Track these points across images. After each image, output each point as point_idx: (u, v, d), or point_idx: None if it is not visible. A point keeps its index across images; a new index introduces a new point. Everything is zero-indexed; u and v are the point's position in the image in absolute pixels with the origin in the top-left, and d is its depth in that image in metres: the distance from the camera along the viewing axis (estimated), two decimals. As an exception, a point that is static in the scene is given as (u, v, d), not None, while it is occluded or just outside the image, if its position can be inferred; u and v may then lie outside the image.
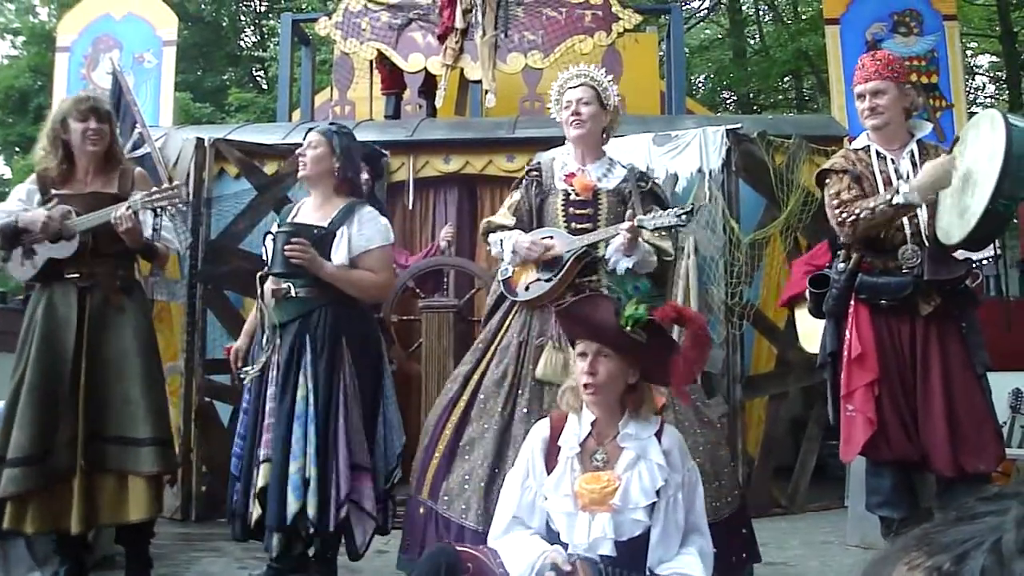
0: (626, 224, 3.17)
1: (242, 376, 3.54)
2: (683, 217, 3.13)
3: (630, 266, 3.22)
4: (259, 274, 3.50)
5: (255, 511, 3.33)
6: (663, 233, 3.28)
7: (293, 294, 3.41)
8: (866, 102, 3.39)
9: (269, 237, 3.51)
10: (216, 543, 4.38)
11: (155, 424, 3.37)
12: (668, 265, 3.40)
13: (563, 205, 3.37)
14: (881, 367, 3.27)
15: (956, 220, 3.16)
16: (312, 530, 3.27)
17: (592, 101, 3.38)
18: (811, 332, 3.92)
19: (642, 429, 2.49)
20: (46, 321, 3.38)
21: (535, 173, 3.49)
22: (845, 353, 3.35)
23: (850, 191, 3.35)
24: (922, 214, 3.29)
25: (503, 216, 3.49)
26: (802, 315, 4.10)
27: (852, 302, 3.39)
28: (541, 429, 2.62)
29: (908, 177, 3.33)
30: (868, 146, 3.46)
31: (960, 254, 3.36)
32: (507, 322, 3.38)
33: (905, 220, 3.31)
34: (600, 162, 3.45)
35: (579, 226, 3.32)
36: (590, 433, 2.52)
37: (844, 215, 3.29)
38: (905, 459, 3.26)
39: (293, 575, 3.54)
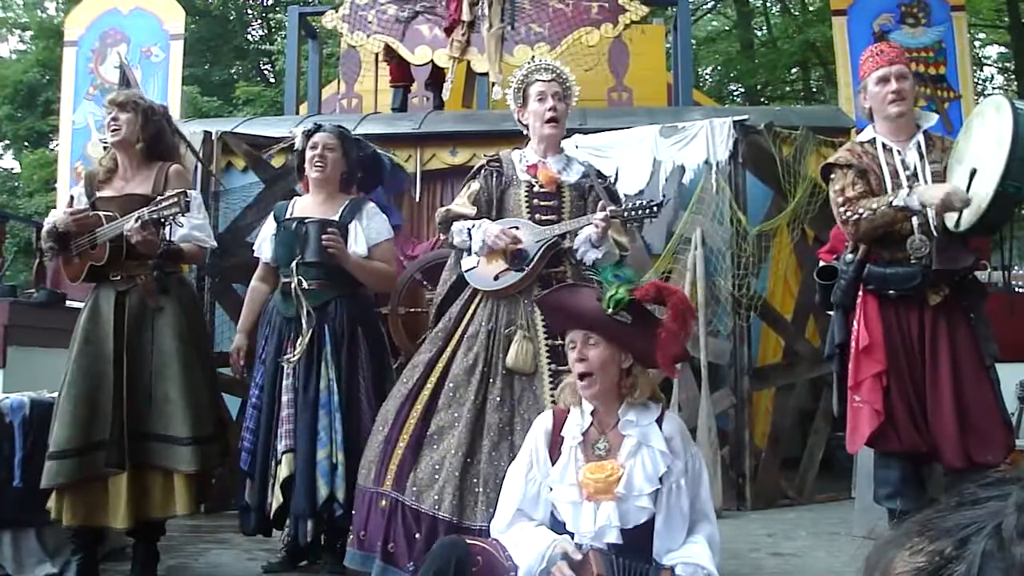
0: (600, 214, 3.15)
1: (243, 373, 3.79)
2: (655, 208, 3.18)
3: (599, 257, 3.22)
4: (294, 263, 3.59)
5: (275, 501, 3.45)
6: (628, 227, 3.31)
7: (305, 286, 3.55)
8: (891, 84, 3.33)
9: (291, 227, 3.65)
10: (225, 535, 4.39)
11: (193, 423, 3.39)
12: (624, 260, 3.41)
13: (527, 196, 3.35)
14: (889, 358, 3.26)
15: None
16: (341, 512, 3.40)
17: (564, 99, 3.38)
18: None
19: (642, 416, 2.50)
20: (89, 322, 3.45)
21: (495, 164, 3.45)
22: (853, 344, 3.35)
23: (855, 187, 3.33)
24: (930, 204, 3.29)
25: (463, 205, 3.40)
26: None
27: (860, 293, 3.38)
28: (544, 420, 2.63)
29: (915, 169, 3.32)
30: (875, 138, 3.45)
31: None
32: (471, 311, 3.31)
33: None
34: (559, 157, 3.44)
35: (544, 217, 3.31)
36: (592, 423, 2.53)
37: (848, 214, 3.28)
38: (914, 450, 3.26)
39: (302, 561, 3.72)
